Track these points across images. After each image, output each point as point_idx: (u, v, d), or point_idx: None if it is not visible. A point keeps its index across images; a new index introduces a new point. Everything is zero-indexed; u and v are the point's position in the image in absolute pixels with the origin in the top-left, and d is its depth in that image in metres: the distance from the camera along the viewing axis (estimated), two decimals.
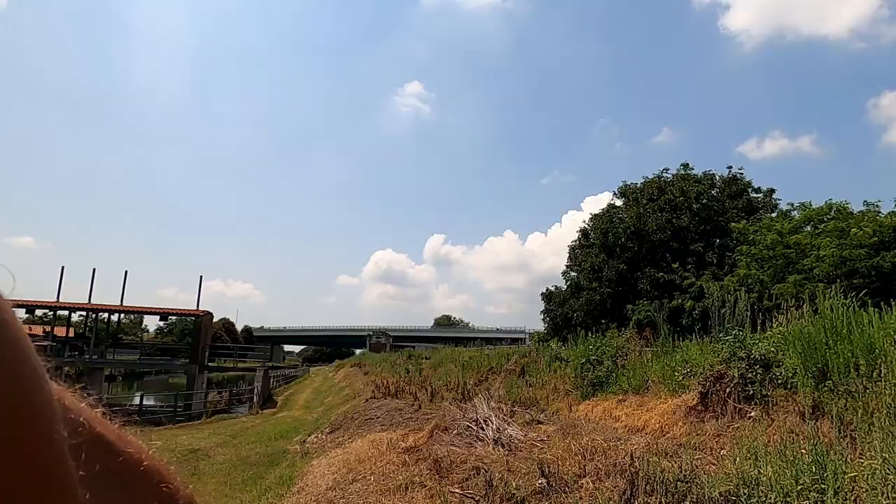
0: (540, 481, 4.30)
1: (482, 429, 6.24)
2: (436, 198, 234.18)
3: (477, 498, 4.31)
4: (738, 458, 4.00)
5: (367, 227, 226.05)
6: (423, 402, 11.71)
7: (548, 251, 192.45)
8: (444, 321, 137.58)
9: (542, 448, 5.43)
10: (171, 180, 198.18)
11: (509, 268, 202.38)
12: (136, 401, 32.96)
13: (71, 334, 34.34)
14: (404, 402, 11.97)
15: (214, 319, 56.92)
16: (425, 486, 4.83)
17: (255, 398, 25.32)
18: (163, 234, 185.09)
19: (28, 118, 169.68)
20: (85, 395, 0.46)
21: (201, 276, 28.67)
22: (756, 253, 16.96)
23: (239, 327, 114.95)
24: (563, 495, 4.03)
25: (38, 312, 33.11)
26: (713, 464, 4.41)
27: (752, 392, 5.53)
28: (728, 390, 5.69)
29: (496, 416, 6.81)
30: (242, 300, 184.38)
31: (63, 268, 29.59)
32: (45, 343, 30.02)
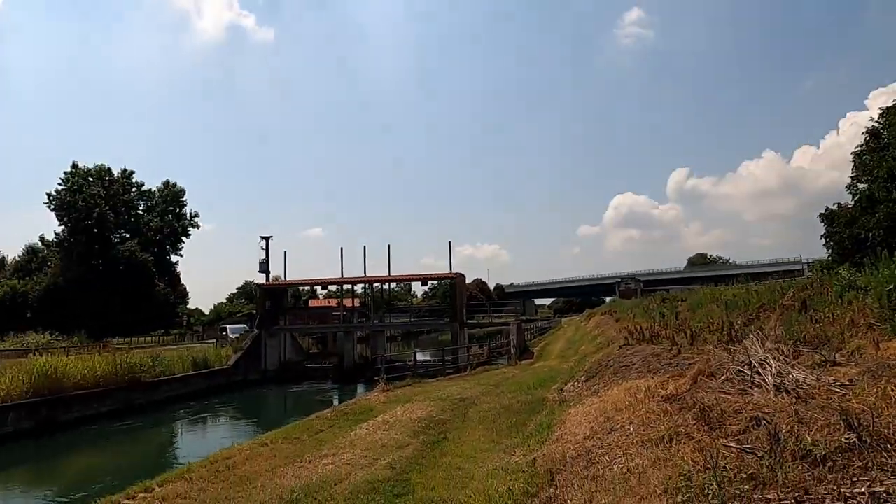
0: (847, 436, 3.44)
1: (757, 373, 5.34)
2: (672, 130, 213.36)
3: (760, 453, 3.64)
4: None
5: (602, 173, 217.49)
6: (683, 346, 10.73)
7: (822, 165, 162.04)
8: (699, 260, 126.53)
9: (843, 395, 4.40)
10: (416, 161, 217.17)
11: (773, 192, 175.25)
12: (419, 356, 37.23)
13: (357, 304, 40.19)
14: (661, 348, 11.15)
15: (468, 281, 61.35)
16: (692, 438, 4.29)
17: (512, 350, 26.51)
18: (416, 209, 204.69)
19: (296, 122, 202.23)
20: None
21: (450, 242, 31.06)
22: None
23: (491, 286, 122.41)
24: (884, 454, 3.14)
25: (331, 288, 39.49)
26: None
27: None
28: None
29: (774, 358, 5.78)
30: (491, 261, 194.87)
31: (342, 249, 34.65)
32: (339, 313, 35.63)
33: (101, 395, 20.16)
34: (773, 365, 5.46)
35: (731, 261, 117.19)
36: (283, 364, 32.62)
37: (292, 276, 38.04)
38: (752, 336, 7.89)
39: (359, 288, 36.18)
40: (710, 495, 2.62)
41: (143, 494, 7.35)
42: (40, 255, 58.72)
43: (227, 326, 41.89)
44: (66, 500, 11.43)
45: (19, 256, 60.36)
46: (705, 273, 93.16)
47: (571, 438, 6.15)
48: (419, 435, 10.44)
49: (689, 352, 9.70)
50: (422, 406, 13.73)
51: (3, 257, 62.04)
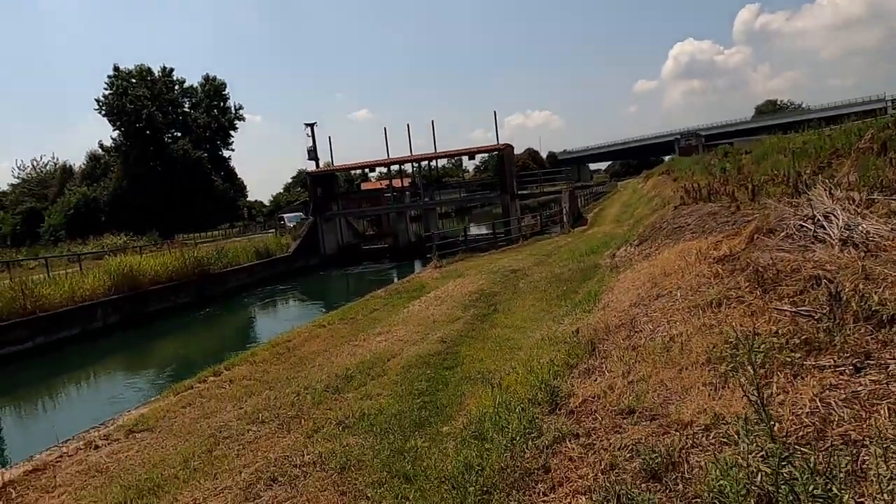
0: None
1: (822, 227, 4.85)
2: None
3: (817, 315, 3.31)
4: None
5: (657, 19, 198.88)
6: (742, 202, 10.06)
7: None
8: (768, 107, 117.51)
9: None
10: (453, 30, 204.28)
11: (856, 22, 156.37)
12: (473, 230, 37.49)
13: (407, 183, 40.11)
14: (718, 206, 10.52)
15: (519, 151, 59.69)
16: (743, 302, 3.98)
17: (565, 218, 26.17)
18: (461, 82, 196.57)
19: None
20: None
21: (495, 112, 29.78)
22: None
23: (543, 154, 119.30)
24: None
25: (381, 170, 39.42)
26: None
27: None
28: None
29: (842, 209, 5.23)
30: (543, 128, 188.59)
31: (385, 129, 34.04)
32: (390, 194, 35.80)
33: (174, 288, 21.55)
34: (841, 216, 4.94)
35: (803, 105, 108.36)
36: (341, 247, 33.66)
37: (342, 161, 38.11)
38: (819, 186, 7.22)
39: (409, 167, 35.93)
40: (756, 364, 2.36)
41: (212, 378, 7.87)
42: (102, 161, 60.98)
43: (285, 216, 43.19)
44: (159, 380, 12.58)
45: (84, 164, 62.92)
46: (774, 121, 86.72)
47: (617, 306, 5.97)
48: (470, 308, 10.60)
49: (750, 207, 9.08)
50: (473, 280, 13.89)
51: (71, 166, 64.86)
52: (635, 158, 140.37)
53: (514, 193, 29.71)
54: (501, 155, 29.89)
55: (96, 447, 5.75)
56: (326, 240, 32.23)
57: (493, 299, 11.25)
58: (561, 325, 7.73)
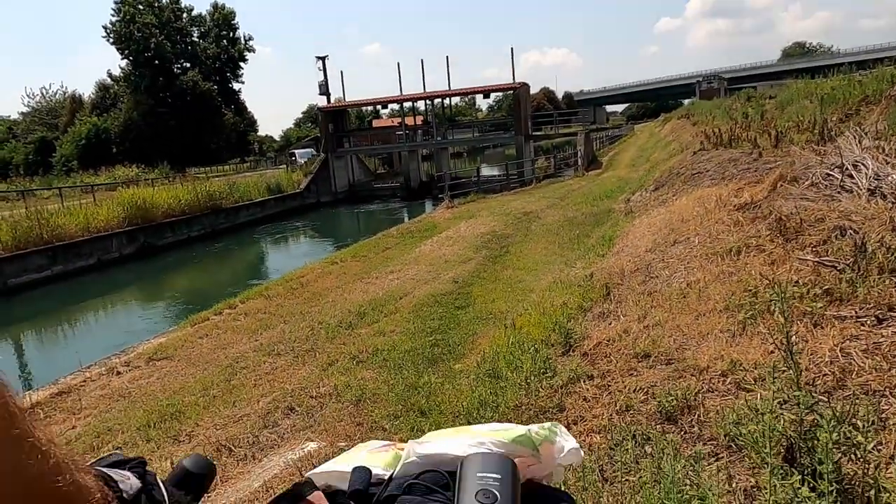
0: None
1: (849, 176, 4.73)
2: None
3: (840, 266, 3.27)
4: None
5: None
6: (765, 148, 9.82)
7: None
8: (796, 50, 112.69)
9: None
10: None
11: None
12: (485, 171, 37.16)
13: (419, 122, 39.44)
14: (739, 152, 10.28)
15: (535, 90, 58.12)
16: (763, 251, 3.94)
17: (580, 160, 25.75)
18: (474, 15, 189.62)
19: None
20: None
21: (512, 48, 28.75)
22: None
23: (559, 95, 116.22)
24: None
25: (393, 107, 38.68)
26: None
27: None
28: None
29: (871, 157, 5.09)
30: (559, 67, 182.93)
31: (399, 63, 33.14)
32: (402, 132, 35.29)
33: (187, 221, 21.70)
34: (870, 165, 4.80)
35: (833, 48, 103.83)
36: (352, 185, 33.50)
37: (353, 97, 37.37)
38: (847, 134, 7.02)
39: (421, 105, 35.16)
40: (776, 312, 2.35)
41: (227, 310, 8.03)
42: (112, 91, 60.15)
43: (296, 151, 42.80)
44: (174, 311, 12.88)
45: (93, 94, 62.14)
46: (801, 65, 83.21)
47: (632, 251, 5.94)
48: (481, 250, 10.62)
49: (772, 154, 8.87)
50: (485, 221, 13.85)
51: (80, 96, 64.08)
52: (654, 101, 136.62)
53: (529, 134, 29.14)
54: (517, 94, 29.13)
55: (118, 373, 5.94)
56: (337, 177, 32.06)
57: (505, 241, 11.24)
58: (574, 269, 7.74)
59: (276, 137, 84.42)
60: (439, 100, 33.23)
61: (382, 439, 0.76)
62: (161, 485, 0.51)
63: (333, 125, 32.18)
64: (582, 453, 0.66)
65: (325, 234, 24.55)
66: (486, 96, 33.44)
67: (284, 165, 35.64)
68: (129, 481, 0.47)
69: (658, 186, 11.93)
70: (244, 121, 65.89)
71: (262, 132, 77.25)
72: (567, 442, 0.65)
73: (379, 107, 38.32)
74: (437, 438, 0.66)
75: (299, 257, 16.87)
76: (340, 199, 31.98)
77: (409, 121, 36.09)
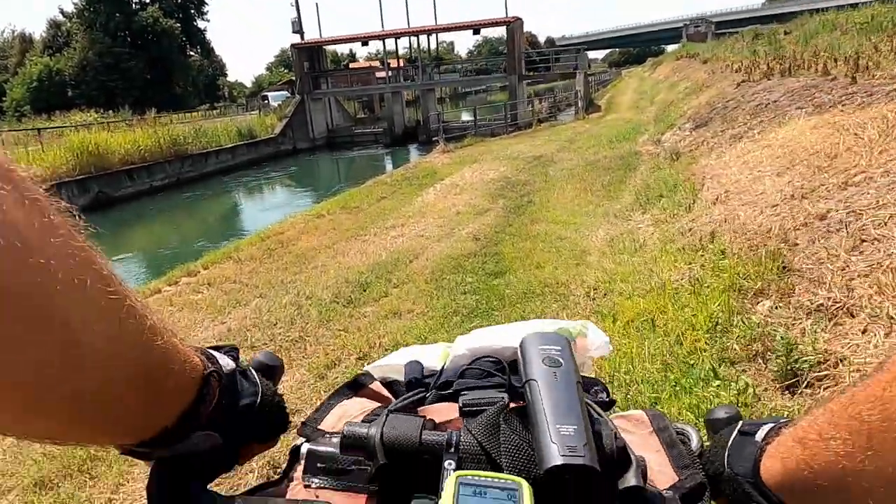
0: None
1: None
2: None
3: None
4: None
5: None
6: (838, 76, 8.07)
7: None
8: None
9: None
10: None
11: None
12: (464, 116, 34.87)
13: (402, 64, 36.70)
14: (809, 79, 8.53)
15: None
16: None
17: (580, 103, 23.79)
18: None
19: None
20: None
21: None
22: None
23: (541, 39, 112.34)
24: None
25: (372, 51, 35.78)
26: None
27: None
28: None
29: None
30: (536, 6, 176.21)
31: None
32: (384, 74, 32.64)
33: (148, 168, 19.37)
34: None
35: None
36: (331, 131, 31.05)
37: (329, 35, 34.26)
38: None
39: (403, 47, 32.28)
40: None
41: (185, 279, 6.19)
42: (64, 28, 55.33)
43: (269, 94, 39.83)
44: (130, 275, 10.94)
45: (44, 33, 57.18)
46: (793, 7, 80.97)
47: (751, 199, 4.22)
48: (497, 199, 8.84)
49: (868, 80, 7.13)
50: (492, 166, 12.00)
51: (30, 35, 58.99)
52: (636, 47, 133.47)
53: (523, 74, 26.86)
54: (511, 29, 26.62)
55: None
56: (315, 121, 29.56)
57: (523, 189, 9.46)
58: (633, 223, 6.05)
59: (248, 84, 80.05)
60: (425, 36, 30.53)
61: None
62: (252, 370, 0.53)
63: (309, 64, 29.40)
64: (611, 347, 0.75)
65: (304, 184, 22.37)
66: (476, 32, 30.83)
67: (257, 111, 32.74)
68: (225, 360, 0.49)
69: (700, 124, 10.18)
70: (212, 64, 61.77)
71: (232, 78, 72.86)
72: (598, 337, 0.74)
73: (357, 46, 35.35)
74: (484, 332, 0.73)
75: (277, 209, 14.92)
76: (319, 145, 29.59)
77: (392, 64, 33.37)
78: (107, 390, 0.35)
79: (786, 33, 23.38)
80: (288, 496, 0.51)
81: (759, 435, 0.46)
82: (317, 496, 0.49)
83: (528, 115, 24.34)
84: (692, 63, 26.45)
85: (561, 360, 0.48)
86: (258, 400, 0.50)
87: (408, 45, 31.22)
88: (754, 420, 0.49)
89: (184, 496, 0.42)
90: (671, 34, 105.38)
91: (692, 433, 0.57)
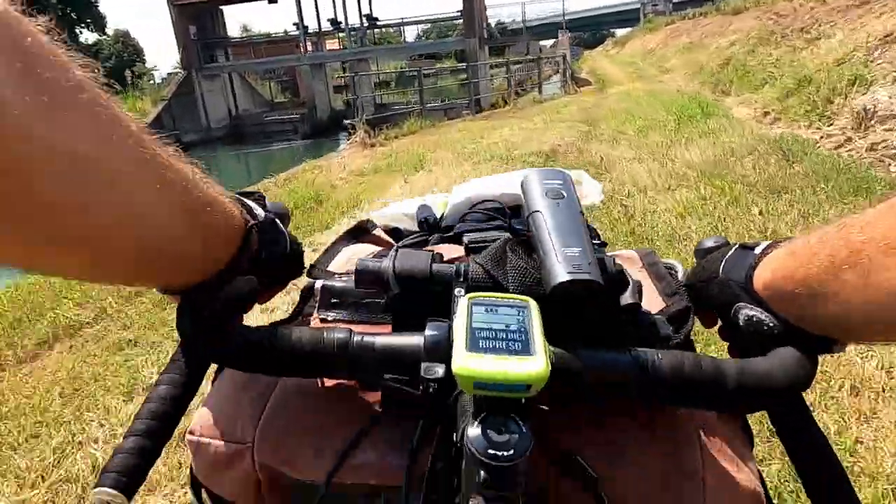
0: None
1: None
2: None
3: None
4: None
5: None
6: None
7: None
8: None
9: None
10: None
11: None
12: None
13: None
14: None
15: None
16: None
17: (568, 78, 17.46)
18: None
19: None
20: None
21: None
22: None
23: (493, 23, 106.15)
24: None
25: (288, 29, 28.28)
26: None
27: None
28: None
29: None
30: None
31: None
32: (300, 33, 25.30)
33: None
34: None
35: None
36: (234, 118, 23.69)
37: None
38: None
39: (326, 22, 24.67)
40: None
41: None
42: None
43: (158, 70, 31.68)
44: None
45: None
46: None
47: None
48: None
49: None
50: (450, 174, 5.35)
51: None
52: (585, 31, 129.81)
53: (484, 38, 20.19)
54: None
55: None
56: (210, 105, 22.13)
57: None
58: None
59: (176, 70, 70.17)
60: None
61: None
62: (277, 219, 0.54)
63: (197, 28, 21.81)
64: (602, 196, 0.80)
65: None
66: None
67: (123, 89, 24.34)
68: (258, 210, 0.51)
69: None
70: (126, 49, 52.13)
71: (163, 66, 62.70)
72: (592, 185, 0.79)
73: (268, 8, 27.54)
74: (480, 181, 0.74)
75: None
76: (217, 136, 22.24)
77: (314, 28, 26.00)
78: (164, 236, 0.38)
79: None
80: None
81: (758, 249, 0.48)
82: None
83: (494, 91, 17.85)
84: (700, 21, 20.39)
85: (563, 192, 0.48)
86: (288, 247, 0.54)
87: (332, 4, 23.87)
88: (756, 241, 0.50)
89: (217, 330, 0.44)
90: (627, 17, 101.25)
91: (678, 267, 0.60)
